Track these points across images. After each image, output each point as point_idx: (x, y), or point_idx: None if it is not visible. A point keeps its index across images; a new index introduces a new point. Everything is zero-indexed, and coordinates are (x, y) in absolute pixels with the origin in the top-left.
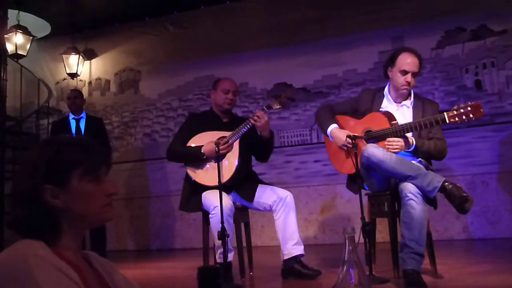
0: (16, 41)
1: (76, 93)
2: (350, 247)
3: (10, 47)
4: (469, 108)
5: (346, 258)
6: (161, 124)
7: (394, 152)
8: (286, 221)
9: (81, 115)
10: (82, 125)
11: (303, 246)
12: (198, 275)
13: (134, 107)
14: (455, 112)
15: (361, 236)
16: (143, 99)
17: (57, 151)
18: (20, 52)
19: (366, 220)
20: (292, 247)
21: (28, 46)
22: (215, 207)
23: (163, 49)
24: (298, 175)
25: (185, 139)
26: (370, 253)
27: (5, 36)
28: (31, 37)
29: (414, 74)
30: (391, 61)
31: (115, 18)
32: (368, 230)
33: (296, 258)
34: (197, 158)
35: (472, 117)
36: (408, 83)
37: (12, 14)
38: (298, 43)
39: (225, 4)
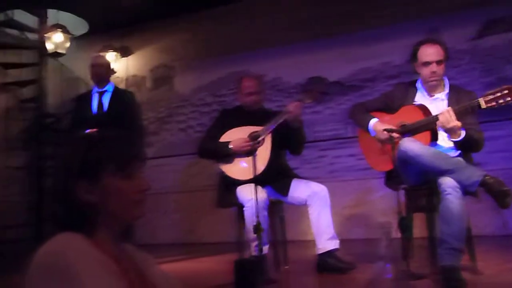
0: (55, 40)
1: (98, 60)
2: (387, 242)
3: (50, 46)
4: (505, 92)
5: (382, 253)
6: (196, 119)
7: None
8: (320, 215)
9: (106, 88)
10: (106, 100)
11: (338, 241)
12: (235, 268)
13: (169, 103)
14: (490, 97)
15: (398, 231)
16: (177, 95)
17: (89, 147)
18: (59, 50)
19: (403, 214)
20: (327, 242)
21: (67, 45)
22: (249, 200)
23: (197, 45)
24: (332, 169)
25: (216, 135)
26: (407, 249)
27: (45, 35)
28: (70, 36)
29: (439, 62)
30: (414, 56)
31: (150, 15)
32: (405, 225)
33: (331, 253)
34: (227, 155)
35: (509, 100)
36: (434, 73)
37: (51, 13)
38: (332, 36)
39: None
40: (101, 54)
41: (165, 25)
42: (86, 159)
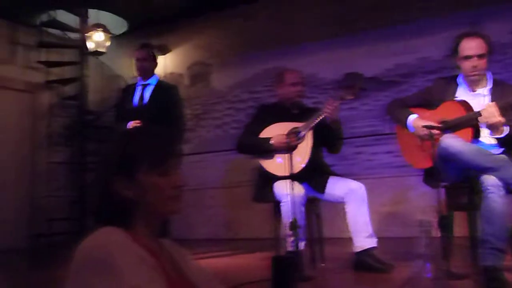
0: (96, 39)
1: (143, 54)
2: (426, 241)
3: (91, 45)
4: None
5: (422, 252)
6: (232, 116)
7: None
8: (358, 213)
9: (149, 81)
10: (148, 93)
11: (376, 239)
12: (272, 264)
13: (205, 100)
14: None
15: (438, 229)
16: (214, 92)
17: (127, 144)
18: (100, 49)
19: (443, 213)
20: (364, 240)
21: (107, 43)
22: (286, 195)
23: (233, 42)
24: (369, 166)
25: (256, 131)
26: (447, 248)
27: (86, 34)
28: (110, 35)
29: (480, 56)
30: (455, 50)
31: (187, 13)
32: (445, 223)
33: (368, 251)
34: (267, 150)
35: None
36: (475, 67)
37: (92, 13)
38: (368, 30)
39: None
40: (145, 47)
41: (202, 22)
42: (123, 156)
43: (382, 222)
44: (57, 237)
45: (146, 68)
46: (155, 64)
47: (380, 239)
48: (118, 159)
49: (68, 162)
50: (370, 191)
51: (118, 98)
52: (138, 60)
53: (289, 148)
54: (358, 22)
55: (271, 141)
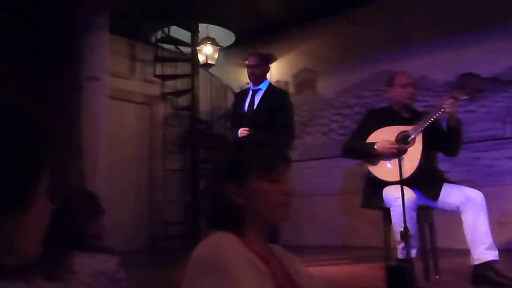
0: (206, 52)
1: (254, 60)
2: None
3: (201, 58)
4: None
5: None
6: (338, 122)
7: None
8: (476, 223)
9: (260, 86)
10: (257, 98)
11: (497, 252)
12: (387, 274)
13: (311, 107)
14: None
15: None
16: (320, 99)
17: (237, 152)
18: (209, 61)
19: None
20: (484, 252)
21: (216, 56)
22: (397, 198)
23: (339, 48)
24: (489, 173)
25: (362, 135)
26: None
27: (197, 48)
28: (219, 47)
29: None
30: None
31: (292, 21)
32: None
33: (488, 264)
34: (372, 155)
35: None
36: None
37: (202, 28)
38: (483, 28)
39: None
40: (255, 53)
41: (307, 30)
42: (234, 163)
43: (504, 233)
44: (172, 240)
45: (257, 74)
46: (267, 70)
47: (503, 252)
48: (229, 167)
49: (182, 169)
50: (490, 199)
51: (233, 103)
52: (249, 66)
53: (396, 153)
54: (471, 21)
55: (375, 146)
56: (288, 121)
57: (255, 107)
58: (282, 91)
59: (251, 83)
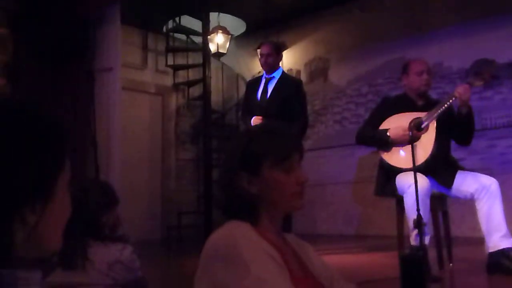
0: (217, 41)
1: (268, 49)
2: None
3: (212, 47)
4: None
5: None
6: (351, 110)
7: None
8: (491, 210)
9: (273, 75)
10: (271, 86)
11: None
12: (402, 263)
13: (324, 95)
14: None
15: None
16: (332, 87)
17: (249, 141)
18: (221, 50)
19: None
20: (499, 239)
21: (227, 45)
22: (410, 185)
23: (351, 35)
24: (505, 160)
25: (376, 123)
26: None
27: (208, 37)
28: (230, 36)
29: None
30: None
31: (304, 10)
32: None
33: (504, 252)
34: (385, 142)
35: None
36: None
37: (213, 16)
38: (498, 14)
39: None
40: (269, 42)
41: (319, 18)
42: (248, 152)
43: None
44: (185, 229)
45: (271, 62)
46: (280, 58)
47: None
48: (243, 156)
49: (194, 159)
50: (506, 187)
51: (245, 92)
52: (262, 55)
53: (409, 140)
54: (487, 6)
55: (388, 133)
56: (302, 110)
57: (268, 95)
58: (296, 80)
59: (264, 72)
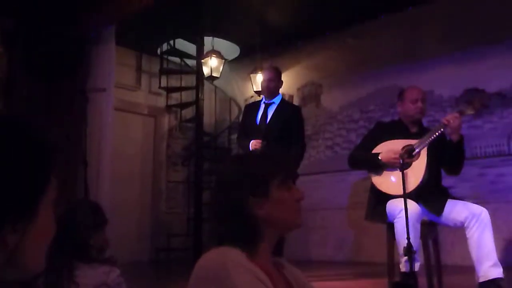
0: (211, 65)
1: (270, 75)
2: None
3: (206, 70)
4: None
5: None
6: (343, 136)
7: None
8: (481, 239)
9: (273, 100)
10: (270, 112)
11: (501, 269)
12: None
13: (316, 120)
14: None
15: None
16: (324, 112)
17: (258, 164)
18: (214, 74)
19: None
20: (489, 269)
21: (221, 68)
22: (400, 210)
23: (344, 62)
24: (495, 189)
25: (368, 147)
26: None
27: (202, 60)
28: (223, 60)
29: None
30: None
31: (297, 35)
32: None
33: (494, 282)
34: (376, 166)
35: None
36: None
37: (207, 40)
38: (489, 44)
39: (406, 12)
40: (271, 67)
41: (312, 44)
42: (255, 177)
43: (509, 250)
44: (175, 251)
45: (272, 87)
46: (281, 84)
47: (508, 269)
48: (251, 180)
49: (185, 181)
50: (496, 216)
51: (242, 115)
52: (265, 80)
53: (400, 167)
54: (477, 36)
55: (380, 157)
56: (300, 135)
57: (268, 120)
58: (295, 106)
59: (263, 97)
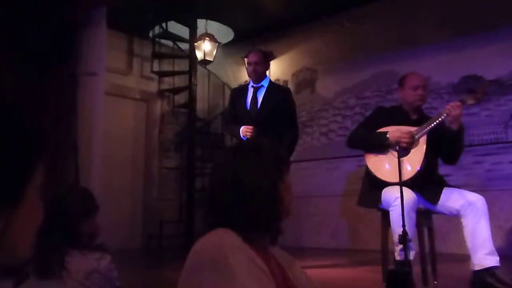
0: (204, 48)
1: (257, 58)
2: None
3: (199, 54)
4: None
5: None
6: (338, 123)
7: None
8: (476, 227)
9: (261, 83)
10: (260, 95)
11: (497, 257)
12: (387, 278)
13: (311, 107)
14: None
15: None
16: (319, 98)
17: (276, 151)
18: (207, 58)
19: None
20: (484, 257)
21: (214, 52)
22: (396, 198)
23: (340, 47)
24: (491, 177)
25: (369, 129)
26: None
27: (195, 44)
28: (217, 44)
29: None
30: None
31: (292, 20)
32: None
33: (489, 270)
34: (380, 145)
35: None
36: None
37: (200, 23)
38: (488, 31)
39: None
40: (257, 50)
41: (307, 28)
42: (279, 160)
43: (505, 238)
44: (167, 238)
45: (259, 71)
46: (268, 67)
47: (504, 258)
48: (276, 164)
49: (178, 167)
50: (491, 204)
51: (229, 100)
52: (250, 64)
53: (399, 151)
54: (477, 22)
55: (388, 135)
56: (293, 119)
57: (258, 105)
58: (285, 88)
59: (250, 80)
